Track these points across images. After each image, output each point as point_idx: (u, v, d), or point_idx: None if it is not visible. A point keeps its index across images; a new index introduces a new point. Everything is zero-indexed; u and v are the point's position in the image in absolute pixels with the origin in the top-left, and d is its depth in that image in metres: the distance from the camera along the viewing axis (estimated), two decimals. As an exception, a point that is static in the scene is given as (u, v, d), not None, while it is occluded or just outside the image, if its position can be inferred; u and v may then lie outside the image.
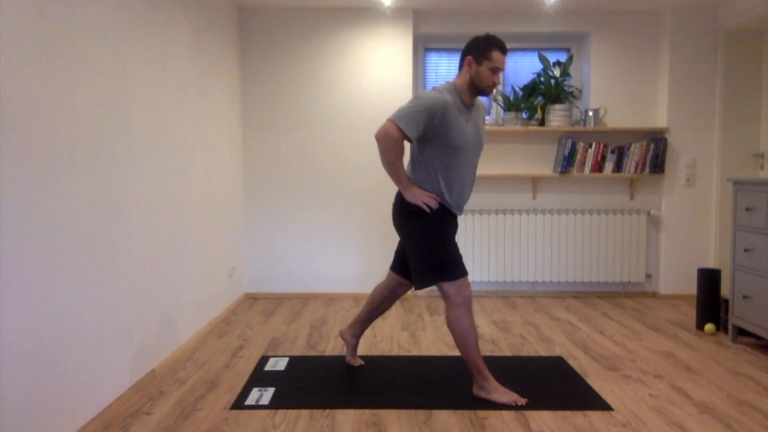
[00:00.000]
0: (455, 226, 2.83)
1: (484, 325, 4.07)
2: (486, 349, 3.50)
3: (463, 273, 2.71)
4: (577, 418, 2.56)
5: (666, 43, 4.82)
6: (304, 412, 2.62)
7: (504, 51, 2.70)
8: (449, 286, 2.69)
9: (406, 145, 2.71)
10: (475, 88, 2.72)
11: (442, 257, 2.71)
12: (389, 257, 4.88)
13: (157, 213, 3.12)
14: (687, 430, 2.44)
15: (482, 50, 2.68)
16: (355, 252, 4.94)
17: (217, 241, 4.18)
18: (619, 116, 4.93)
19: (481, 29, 4.89)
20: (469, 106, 2.75)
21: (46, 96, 2.15)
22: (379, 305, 3.13)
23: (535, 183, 4.95)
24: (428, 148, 2.70)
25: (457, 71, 2.79)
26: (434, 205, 2.69)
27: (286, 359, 3.34)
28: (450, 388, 2.89)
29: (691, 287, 4.86)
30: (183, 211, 3.50)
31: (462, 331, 2.69)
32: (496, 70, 2.68)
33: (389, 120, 2.61)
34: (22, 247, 2.01)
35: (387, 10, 4.80)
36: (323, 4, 4.71)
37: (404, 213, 2.77)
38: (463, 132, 2.67)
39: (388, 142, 2.61)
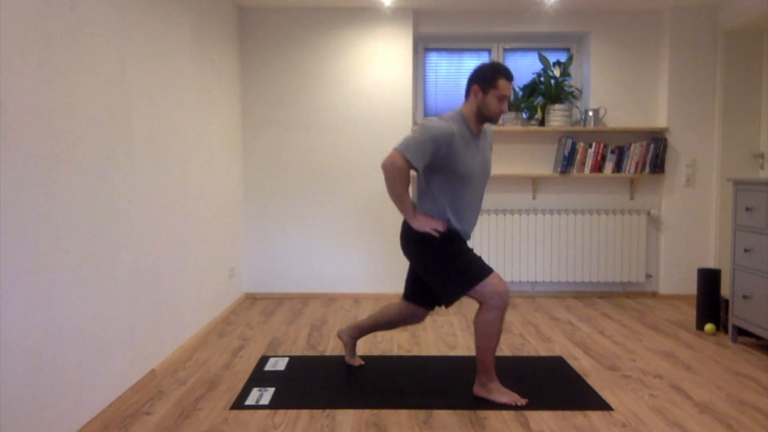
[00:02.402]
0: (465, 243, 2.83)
1: (484, 325, 4.07)
2: (486, 349, 3.50)
3: (487, 271, 2.66)
4: (577, 418, 2.56)
5: (666, 43, 4.82)
6: (304, 412, 2.62)
7: (510, 78, 2.70)
8: (482, 289, 2.63)
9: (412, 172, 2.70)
10: (482, 116, 2.72)
11: (461, 266, 2.68)
12: (389, 257, 4.91)
13: (157, 213, 3.12)
14: (687, 430, 2.44)
15: (488, 79, 2.67)
16: (355, 252, 4.94)
17: (217, 241, 4.18)
18: (619, 116, 4.93)
19: (481, 29, 4.91)
20: (476, 134, 2.75)
21: (46, 96, 2.15)
22: (385, 324, 3.08)
23: (535, 183, 4.95)
24: (435, 178, 2.70)
25: (463, 99, 2.79)
26: (442, 229, 2.69)
27: (286, 359, 3.34)
28: (450, 388, 2.89)
29: (691, 287, 4.86)
30: (183, 211, 3.50)
31: (488, 334, 2.67)
32: (502, 98, 2.68)
33: (395, 149, 2.61)
34: (22, 246, 2.01)
35: (387, 10, 4.80)
36: (323, 4, 4.71)
37: (413, 240, 2.76)
38: (469, 161, 2.68)
39: (395, 172, 2.61)
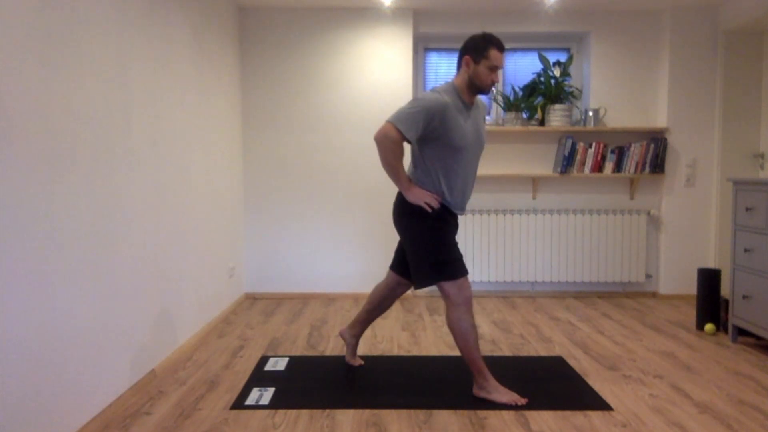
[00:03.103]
0: (455, 226, 2.83)
1: (484, 325, 4.07)
2: (486, 349, 3.50)
3: (463, 272, 2.71)
4: (577, 418, 2.56)
5: (666, 43, 4.82)
6: (304, 412, 2.62)
7: (501, 49, 2.69)
8: (450, 286, 2.69)
9: (406, 146, 2.71)
10: (474, 87, 2.72)
11: (442, 257, 2.70)
12: (389, 257, 4.89)
13: (157, 213, 3.12)
14: (687, 430, 2.44)
15: (480, 49, 2.67)
16: (355, 252, 4.94)
17: (217, 241, 4.18)
18: (619, 116, 4.93)
19: (481, 29, 4.87)
20: (468, 106, 2.74)
21: (46, 96, 2.15)
22: (378, 305, 3.13)
23: (535, 183, 4.95)
24: (428, 149, 2.69)
25: (455, 71, 2.79)
26: (436, 204, 2.69)
27: (286, 359, 3.34)
28: (450, 388, 2.89)
29: (691, 287, 4.86)
30: (183, 211, 3.50)
31: (462, 330, 2.69)
32: (494, 68, 2.67)
33: (388, 122, 2.61)
34: (23, 247, 2.01)
35: (387, 10, 4.80)
36: (323, 4, 4.71)
37: (405, 213, 2.76)
38: (463, 132, 2.67)
39: (387, 144, 2.61)
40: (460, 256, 2.75)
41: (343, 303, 4.76)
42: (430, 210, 2.69)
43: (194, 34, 3.70)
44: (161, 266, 3.18)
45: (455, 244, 2.78)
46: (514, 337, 3.78)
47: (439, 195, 2.72)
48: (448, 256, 2.71)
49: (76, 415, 2.33)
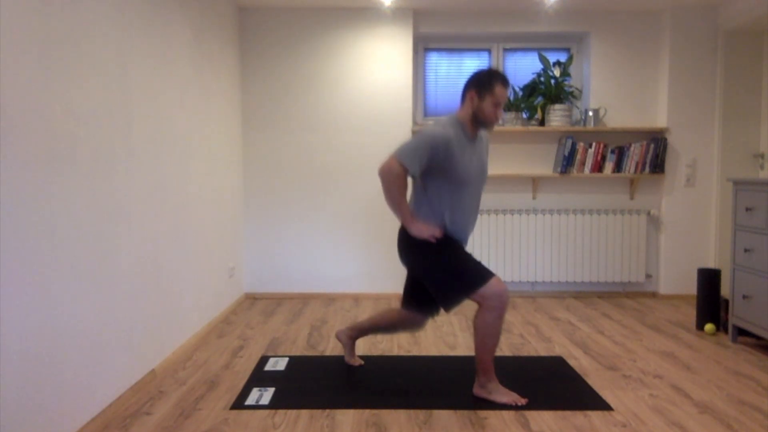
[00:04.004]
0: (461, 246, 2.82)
1: (484, 325, 4.07)
2: (486, 349, 3.50)
3: (486, 276, 2.65)
4: (577, 418, 2.56)
5: (666, 43, 4.82)
6: (304, 412, 2.62)
7: (506, 85, 2.70)
8: (480, 295, 2.63)
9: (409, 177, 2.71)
10: (477, 121, 2.72)
11: (459, 269, 2.68)
12: (389, 257, 4.91)
13: (157, 213, 3.12)
14: (687, 430, 2.44)
15: (485, 85, 2.67)
16: (355, 252, 4.94)
17: (217, 241, 4.18)
18: (619, 116, 4.93)
19: (481, 29, 4.91)
20: (472, 139, 2.75)
21: (46, 96, 2.15)
22: (385, 326, 3.07)
23: (535, 183, 4.95)
24: (432, 183, 2.70)
25: (459, 104, 2.79)
26: (439, 236, 2.69)
27: (286, 359, 3.34)
28: (450, 388, 2.89)
29: (691, 287, 4.86)
30: (183, 211, 3.50)
31: (487, 335, 2.67)
32: (498, 104, 2.68)
33: (392, 156, 2.62)
34: (22, 247, 2.01)
35: (387, 10, 4.80)
36: (323, 4, 4.71)
37: (409, 246, 2.75)
38: (466, 166, 2.68)
39: (392, 179, 2.61)
40: (477, 262, 2.71)
41: (343, 303, 4.76)
42: (434, 241, 2.69)
43: (194, 34, 3.70)
44: (161, 266, 3.18)
45: (468, 254, 2.75)
46: (514, 337, 3.78)
47: (441, 228, 2.72)
48: (464, 267, 2.68)
49: (76, 415, 2.33)
